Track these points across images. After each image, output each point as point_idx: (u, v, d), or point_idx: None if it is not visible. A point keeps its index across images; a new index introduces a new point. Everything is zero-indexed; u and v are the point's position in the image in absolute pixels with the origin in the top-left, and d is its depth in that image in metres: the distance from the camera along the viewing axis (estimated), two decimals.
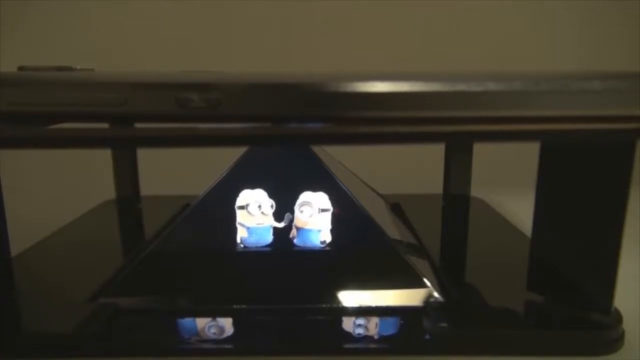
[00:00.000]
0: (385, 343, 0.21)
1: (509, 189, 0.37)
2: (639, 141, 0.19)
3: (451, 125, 0.18)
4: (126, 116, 0.18)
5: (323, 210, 0.25)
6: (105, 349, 0.20)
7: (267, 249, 0.25)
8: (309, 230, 0.25)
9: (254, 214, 0.25)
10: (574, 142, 0.22)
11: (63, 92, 0.18)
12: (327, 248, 0.25)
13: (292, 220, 0.25)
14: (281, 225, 0.25)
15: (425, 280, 0.23)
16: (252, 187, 0.25)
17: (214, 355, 0.21)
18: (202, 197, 0.26)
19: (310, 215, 0.25)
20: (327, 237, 0.25)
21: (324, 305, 0.23)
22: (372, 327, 0.22)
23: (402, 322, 0.22)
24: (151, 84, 0.18)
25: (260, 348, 0.21)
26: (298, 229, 0.25)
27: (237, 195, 0.25)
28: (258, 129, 0.18)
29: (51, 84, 0.18)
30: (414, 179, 0.39)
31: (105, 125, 0.19)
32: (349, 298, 0.23)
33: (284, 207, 0.25)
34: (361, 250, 0.25)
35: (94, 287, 0.24)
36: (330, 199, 0.25)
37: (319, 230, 0.25)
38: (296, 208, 0.25)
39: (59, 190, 0.44)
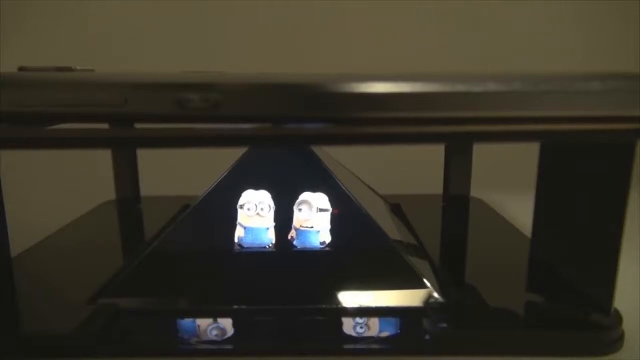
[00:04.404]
0: (385, 343, 0.21)
1: (509, 189, 0.37)
2: (639, 141, 0.19)
3: (451, 126, 0.18)
4: (126, 116, 0.18)
5: (322, 210, 0.25)
6: (105, 349, 0.20)
7: (267, 249, 0.25)
8: (308, 231, 0.25)
9: (250, 214, 0.25)
10: (574, 142, 0.22)
11: (63, 92, 0.18)
12: (327, 249, 0.25)
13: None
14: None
15: (425, 280, 0.23)
16: (252, 187, 0.25)
17: (214, 355, 0.21)
18: (202, 197, 0.26)
19: (309, 216, 0.25)
20: (327, 238, 0.25)
21: (324, 306, 0.23)
22: (372, 327, 0.22)
23: (402, 322, 0.22)
24: (151, 84, 0.18)
25: (260, 348, 0.21)
26: (297, 229, 0.25)
27: (237, 196, 0.25)
28: (258, 130, 0.18)
29: (51, 85, 0.18)
30: (414, 179, 0.39)
31: (105, 126, 0.19)
32: (349, 298, 0.23)
33: (283, 208, 0.25)
34: (361, 250, 0.25)
35: (94, 287, 0.24)
36: (331, 199, 0.25)
37: (318, 231, 0.25)
38: (295, 208, 0.25)
39: (59, 190, 0.44)
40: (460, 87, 0.18)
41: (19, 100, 0.18)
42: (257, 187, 0.25)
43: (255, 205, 0.25)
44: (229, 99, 0.18)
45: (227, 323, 0.22)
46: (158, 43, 0.50)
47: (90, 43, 0.49)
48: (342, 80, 0.18)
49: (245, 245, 0.25)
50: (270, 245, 0.25)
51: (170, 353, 0.21)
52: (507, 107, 0.18)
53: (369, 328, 0.22)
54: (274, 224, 0.25)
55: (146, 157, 0.39)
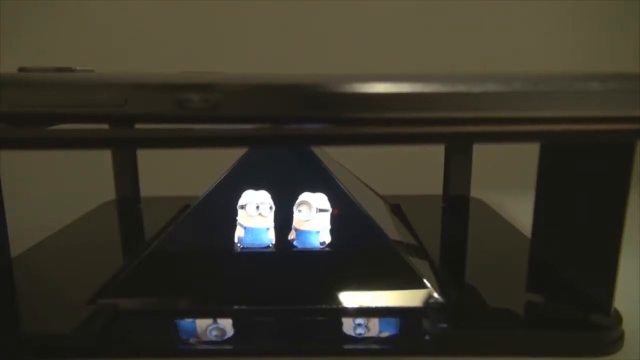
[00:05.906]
0: (385, 344, 0.21)
1: (509, 190, 0.37)
2: (639, 142, 0.19)
3: (451, 126, 0.18)
4: (126, 117, 0.18)
5: (321, 211, 0.25)
6: (105, 349, 0.20)
7: (267, 250, 0.25)
8: (308, 231, 0.25)
9: (251, 215, 0.25)
10: (574, 142, 0.22)
11: (63, 93, 0.18)
12: (327, 249, 0.25)
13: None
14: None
15: (425, 280, 0.23)
16: (252, 187, 0.25)
17: (214, 356, 0.21)
18: (202, 198, 0.26)
19: (309, 216, 0.25)
20: (327, 238, 0.25)
21: (324, 306, 0.23)
22: (372, 327, 0.22)
23: (402, 322, 0.22)
24: (151, 84, 0.18)
25: (260, 349, 0.21)
26: (297, 230, 0.25)
27: (237, 196, 0.25)
28: (258, 130, 0.18)
29: (51, 85, 0.18)
30: (414, 180, 0.39)
31: (105, 126, 0.19)
32: (349, 299, 0.23)
33: (283, 208, 0.25)
34: (361, 251, 0.25)
35: (94, 288, 0.24)
36: (331, 200, 0.25)
37: (317, 232, 0.25)
38: (295, 209, 0.25)
39: (59, 191, 0.44)
40: (460, 88, 0.18)
41: (19, 100, 0.18)
42: (257, 188, 0.25)
43: (258, 205, 0.25)
44: (229, 99, 0.18)
45: (227, 323, 0.22)
46: (158, 43, 0.50)
47: (90, 43, 0.49)
48: (342, 81, 0.18)
49: (245, 246, 0.25)
50: (271, 245, 0.25)
51: (170, 353, 0.21)
52: (507, 108, 0.18)
53: (369, 328, 0.22)
54: (273, 224, 0.25)
55: (146, 157, 0.39)
